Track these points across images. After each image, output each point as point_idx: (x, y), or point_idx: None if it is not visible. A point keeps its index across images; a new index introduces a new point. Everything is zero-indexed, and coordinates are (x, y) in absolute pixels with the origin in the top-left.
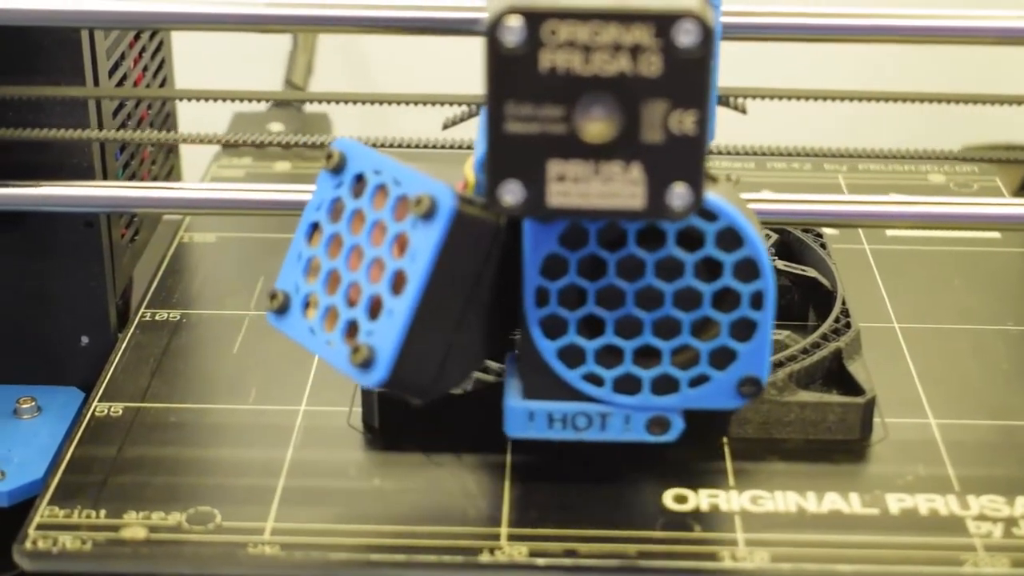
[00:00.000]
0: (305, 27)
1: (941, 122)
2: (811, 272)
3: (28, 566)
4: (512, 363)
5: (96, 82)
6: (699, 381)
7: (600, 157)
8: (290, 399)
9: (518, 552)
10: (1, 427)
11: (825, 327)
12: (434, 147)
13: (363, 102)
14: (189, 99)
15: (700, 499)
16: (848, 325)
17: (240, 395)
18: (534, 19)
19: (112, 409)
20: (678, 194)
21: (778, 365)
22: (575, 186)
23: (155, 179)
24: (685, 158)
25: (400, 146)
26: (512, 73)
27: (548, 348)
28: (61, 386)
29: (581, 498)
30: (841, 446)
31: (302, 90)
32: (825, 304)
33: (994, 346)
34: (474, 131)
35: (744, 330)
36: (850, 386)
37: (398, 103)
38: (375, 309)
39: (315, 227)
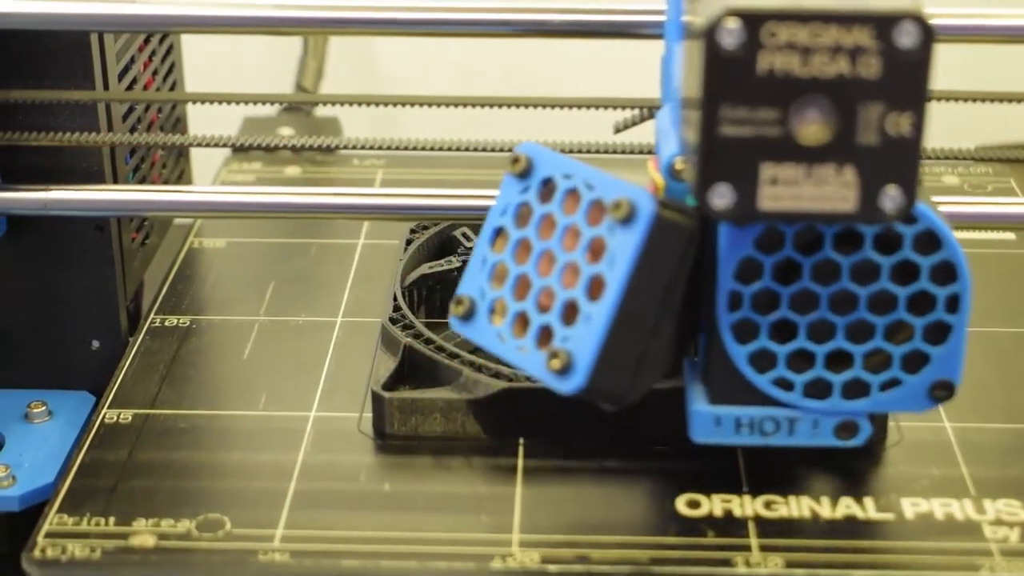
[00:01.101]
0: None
1: (954, 122)
2: None
3: (37, 574)
4: (692, 368)
5: (106, 86)
6: (890, 385)
7: (813, 160)
8: (300, 405)
9: (530, 559)
10: (12, 431)
11: None
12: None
13: (375, 104)
14: (199, 102)
15: (713, 504)
16: None
17: (250, 401)
18: (753, 21)
19: (121, 416)
20: (891, 197)
21: None
22: (787, 189)
23: (165, 183)
24: (900, 160)
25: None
26: (729, 75)
27: (739, 353)
28: (72, 390)
29: (593, 503)
30: (855, 450)
31: (312, 94)
32: None
33: (1009, 348)
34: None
35: (938, 334)
36: None
37: (408, 105)
38: (570, 315)
39: (499, 232)
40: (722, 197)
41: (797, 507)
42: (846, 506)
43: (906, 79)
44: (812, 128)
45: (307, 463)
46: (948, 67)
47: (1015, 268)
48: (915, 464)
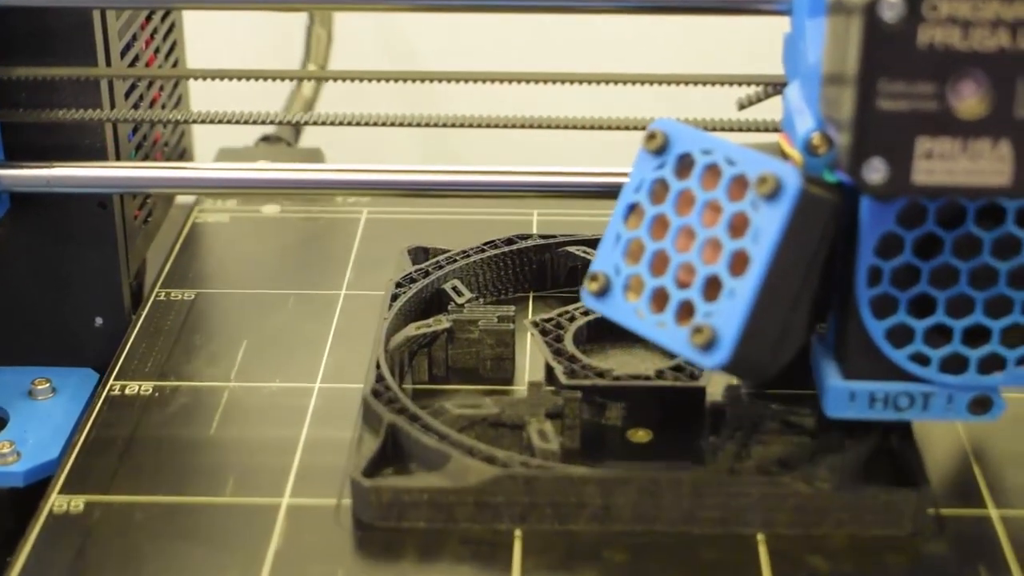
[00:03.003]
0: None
1: None
2: None
3: None
4: (822, 344)
5: (108, 63)
6: None
7: (969, 134)
8: (272, 489)
9: None
10: (16, 408)
11: None
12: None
13: (397, 80)
14: (202, 78)
15: None
16: None
17: (217, 484)
18: None
19: (72, 504)
20: None
21: (816, 453)
22: (941, 163)
23: (167, 161)
24: None
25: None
26: (888, 49)
27: (876, 328)
28: (75, 367)
29: None
30: (890, 543)
31: (300, 126)
32: None
33: None
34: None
35: None
36: (898, 469)
37: (434, 81)
38: (712, 290)
39: (633, 208)
40: (876, 172)
41: None
42: None
43: None
44: (970, 102)
45: (279, 560)
46: None
47: None
48: (958, 561)
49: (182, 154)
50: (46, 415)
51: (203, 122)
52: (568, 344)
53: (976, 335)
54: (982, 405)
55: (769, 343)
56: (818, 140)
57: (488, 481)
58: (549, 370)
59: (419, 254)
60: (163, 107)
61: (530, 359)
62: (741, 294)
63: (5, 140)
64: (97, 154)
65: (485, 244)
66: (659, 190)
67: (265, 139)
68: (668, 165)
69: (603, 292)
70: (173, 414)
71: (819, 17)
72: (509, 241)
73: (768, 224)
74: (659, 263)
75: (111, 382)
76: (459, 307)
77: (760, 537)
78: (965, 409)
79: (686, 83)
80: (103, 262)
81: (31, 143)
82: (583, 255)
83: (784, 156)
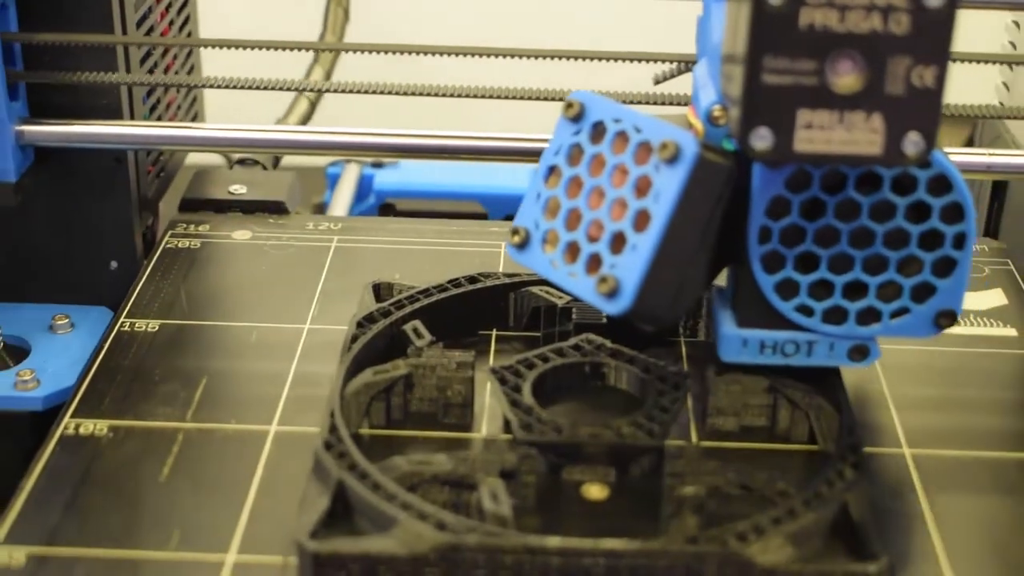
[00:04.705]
0: None
1: None
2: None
3: None
4: (720, 295)
5: (124, 31)
6: (900, 313)
7: (845, 107)
8: (217, 543)
9: None
10: (38, 341)
11: (830, 469)
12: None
13: (401, 52)
14: (212, 47)
15: None
16: (857, 465)
17: (161, 537)
18: None
19: (13, 556)
20: (913, 142)
21: (774, 522)
22: (820, 133)
23: None
24: (923, 109)
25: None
26: (773, 29)
27: (766, 282)
28: (92, 306)
29: None
30: None
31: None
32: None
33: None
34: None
35: (945, 268)
36: (857, 543)
37: (435, 54)
38: (617, 244)
39: (552, 170)
40: (762, 139)
41: None
42: None
43: (932, 35)
44: (846, 79)
45: None
46: None
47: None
48: None
49: (194, 118)
50: (64, 347)
51: (211, 87)
52: (526, 395)
53: (855, 290)
54: (860, 353)
55: (668, 293)
56: (718, 112)
57: (438, 547)
58: (507, 420)
59: (383, 290)
60: (176, 74)
61: (490, 401)
62: (642, 248)
63: (30, 99)
64: (113, 114)
65: (449, 282)
66: (575, 154)
67: (241, 162)
68: (583, 132)
69: (523, 244)
70: (125, 457)
71: (723, 1)
72: (472, 279)
73: (668, 185)
74: (573, 219)
75: (66, 419)
76: (419, 350)
77: None
78: (845, 356)
79: (608, 59)
80: (118, 212)
81: (54, 102)
82: (546, 296)
83: (690, 126)
